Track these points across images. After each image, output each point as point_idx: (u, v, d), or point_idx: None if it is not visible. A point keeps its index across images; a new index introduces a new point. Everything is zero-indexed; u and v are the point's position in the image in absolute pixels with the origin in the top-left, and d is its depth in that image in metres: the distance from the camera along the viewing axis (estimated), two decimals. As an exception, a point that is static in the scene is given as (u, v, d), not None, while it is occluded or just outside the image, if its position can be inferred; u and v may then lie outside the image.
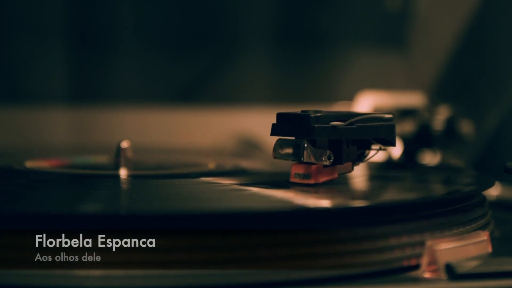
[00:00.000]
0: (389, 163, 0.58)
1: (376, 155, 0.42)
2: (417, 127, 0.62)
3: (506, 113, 0.69)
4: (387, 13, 0.81)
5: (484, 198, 0.42)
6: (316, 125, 0.38)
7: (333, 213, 0.34)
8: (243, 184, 0.41)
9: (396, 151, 0.60)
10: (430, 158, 0.61)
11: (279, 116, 0.39)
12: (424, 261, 0.34)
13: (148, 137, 0.76)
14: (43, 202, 0.36)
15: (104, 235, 0.31)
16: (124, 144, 0.47)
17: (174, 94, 0.79)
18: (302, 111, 0.39)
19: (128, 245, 0.31)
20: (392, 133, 0.41)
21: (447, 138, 0.62)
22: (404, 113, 0.63)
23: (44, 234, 0.31)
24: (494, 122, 0.70)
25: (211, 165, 0.50)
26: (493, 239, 0.37)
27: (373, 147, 0.41)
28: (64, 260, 0.30)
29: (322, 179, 0.39)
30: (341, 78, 0.81)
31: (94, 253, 0.30)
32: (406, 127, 0.62)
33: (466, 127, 0.62)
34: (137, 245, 0.31)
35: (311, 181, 0.39)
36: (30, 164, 0.50)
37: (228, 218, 0.32)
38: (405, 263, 0.34)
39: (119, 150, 0.47)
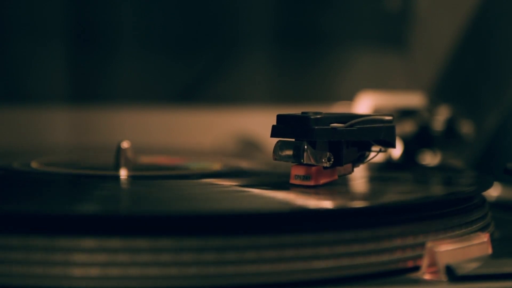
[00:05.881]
0: (389, 163, 0.58)
1: (377, 155, 0.42)
2: (417, 127, 0.62)
3: (506, 113, 0.69)
4: (387, 13, 0.81)
5: (484, 199, 0.42)
6: (316, 127, 0.38)
7: (333, 215, 0.34)
8: (243, 186, 0.41)
9: (396, 151, 0.60)
10: (430, 159, 0.61)
11: (279, 117, 0.39)
12: (424, 262, 0.34)
13: (148, 137, 0.76)
14: (42, 202, 0.36)
15: (103, 236, 0.31)
16: (124, 145, 0.47)
17: (174, 94, 0.79)
18: (302, 112, 0.39)
19: (128, 245, 0.31)
20: (392, 134, 0.41)
21: (447, 139, 0.62)
22: (404, 113, 0.63)
23: (43, 234, 0.31)
24: (494, 122, 0.70)
25: (211, 166, 0.50)
26: (493, 240, 0.37)
27: (373, 148, 0.41)
28: (62, 260, 0.30)
29: (322, 181, 0.39)
30: (341, 78, 0.81)
31: (93, 254, 0.30)
32: (406, 127, 0.62)
33: (466, 128, 0.62)
34: (136, 246, 0.31)
35: (311, 183, 0.39)
36: (32, 164, 0.50)
37: (227, 220, 0.32)
38: (405, 265, 0.34)
39: (119, 150, 0.47)
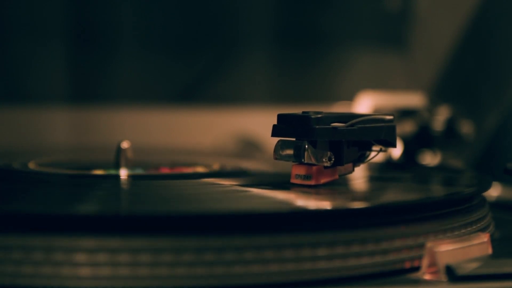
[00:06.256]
0: (389, 163, 0.58)
1: (377, 155, 0.42)
2: (417, 127, 0.62)
3: (506, 113, 0.69)
4: (387, 13, 0.81)
5: (484, 199, 0.42)
6: (317, 127, 0.38)
7: (333, 215, 0.34)
8: (244, 185, 0.41)
9: (396, 151, 0.60)
10: (430, 159, 0.61)
11: (279, 117, 0.39)
12: (424, 262, 0.34)
13: (148, 137, 0.76)
14: (42, 202, 0.36)
15: (103, 236, 0.31)
16: (124, 145, 0.47)
17: (174, 94, 0.79)
18: (303, 112, 0.39)
19: (127, 246, 0.31)
20: (393, 134, 0.41)
21: (447, 139, 0.62)
22: (404, 113, 0.63)
23: (43, 235, 0.31)
24: (494, 122, 0.70)
25: (211, 166, 0.50)
26: (493, 241, 0.37)
27: (374, 148, 0.41)
28: (62, 260, 0.30)
29: (323, 180, 0.39)
30: (341, 78, 0.81)
31: (92, 254, 0.30)
32: (406, 127, 0.62)
33: (466, 128, 0.62)
34: (136, 246, 0.31)
35: (312, 182, 0.39)
36: (30, 164, 0.50)
37: (228, 220, 0.32)
38: (405, 265, 0.34)
39: (119, 150, 0.47)
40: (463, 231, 0.37)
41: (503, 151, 0.69)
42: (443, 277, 0.33)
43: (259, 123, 0.74)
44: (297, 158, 0.39)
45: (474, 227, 0.38)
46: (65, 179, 0.46)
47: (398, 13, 0.81)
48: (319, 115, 0.38)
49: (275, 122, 0.39)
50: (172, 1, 0.78)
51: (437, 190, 0.45)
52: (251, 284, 0.31)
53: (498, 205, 0.52)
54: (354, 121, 0.39)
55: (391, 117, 0.41)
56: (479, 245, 0.36)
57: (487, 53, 0.73)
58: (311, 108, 0.41)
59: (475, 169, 0.65)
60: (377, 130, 0.40)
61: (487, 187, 0.42)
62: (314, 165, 0.39)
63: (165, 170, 0.49)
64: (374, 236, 0.33)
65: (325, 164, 0.39)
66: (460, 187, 0.46)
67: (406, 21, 0.81)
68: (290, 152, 0.39)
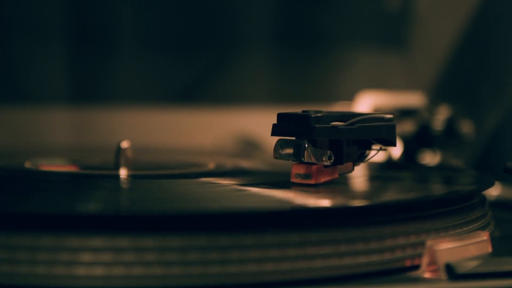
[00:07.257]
0: (389, 163, 0.58)
1: (377, 155, 0.42)
2: (417, 127, 0.62)
3: (506, 113, 0.69)
4: (387, 13, 0.81)
5: (484, 198, 0.42)
6: (317, 125, 0.38)
7: (333, 213, 0.34)
8: (243, 185, 0.41)
9: (396, 151, 0.60)
10: (430, 158, 0.61)
11: (279, 116, 0.39)
12: (424, 261, 0.34)
13: (148, 137, 0.76)
14: (42, 202, 0.36)
15: (103, 235, 0.31)
16: (124, 144, 0.47)
17: (174, 94, 0.79)
18: (303, 111, 0.39)
19: (127, 245, 0.31)
20: (392, 133, 0.41)
21: (447, 138, 0.62)
22: (404, 113, 0.64)
23: (44, 234, 0.31)
24: (494, 122, 0.70)
25: (211, 165, 0.50)
26: (493, 239, 0.37)
27: (374, 147, 0.41)
28: (64, 260, 0.30)
29: (323, 179, 0.39)
30: (341, 78, 0.81)
31: (93, 253, 0.30)
32: (406, 127, 0.62)
33: (466, 127, 0.62)
34: (136, 245, 0.31)
35: (312, 181, 0.39)
36: (29, 164, 0.50)
37: (227, 218, 0.32)
38: (405, 263, 0.34)
39: (119, 150, 0.47)
40: (462, 229, 0.37)
41: (503, 151, 0.69)
42: (443, 275, 0.33)
43: (259, 123, 0.74)
44: (297, 157, 0.39)
45: (474, 225, 0.38)
46: (65, 178, 0.46)
47: (398, 13, 0.81)
48: (319, 114, 0.38)
49: (275, 122, 0.39)
50: (172, 1, 0.78)
51: (437, 188, 0.45)
52: (255, 283, 0.31)
53: (498, 204, 0.52)
54: (354, 120, 0.39)
55: (391, 116, 0.41)
56: (479, 243, 0.36)
57: (487, 53, 0.73)
58: (311, 108, 0.41)
59: (475, 168, 0.65)
60: (377, 129, 0.40)
61: (487, 185, 0.42)
62: (314, 164, 0.39)
63: (164, 170, 0.49)
64: (374, 235, 0.33)
65: (325, 163, 0.39)
66: (460, 185, 0.46)
67: (406, 21, 0.81)
68: (290, 151, 0.39)
